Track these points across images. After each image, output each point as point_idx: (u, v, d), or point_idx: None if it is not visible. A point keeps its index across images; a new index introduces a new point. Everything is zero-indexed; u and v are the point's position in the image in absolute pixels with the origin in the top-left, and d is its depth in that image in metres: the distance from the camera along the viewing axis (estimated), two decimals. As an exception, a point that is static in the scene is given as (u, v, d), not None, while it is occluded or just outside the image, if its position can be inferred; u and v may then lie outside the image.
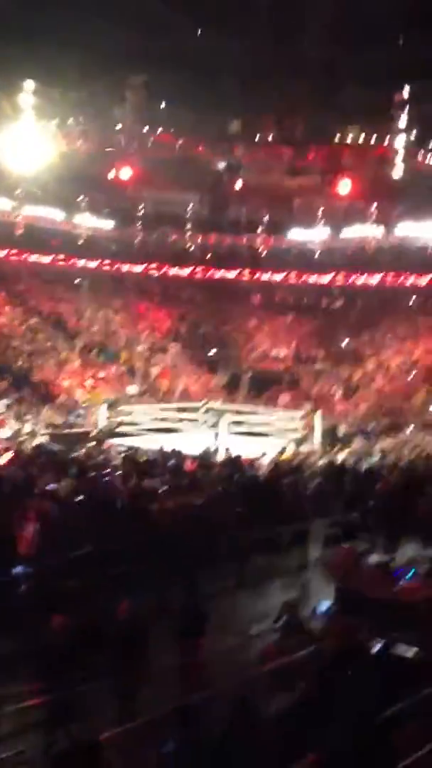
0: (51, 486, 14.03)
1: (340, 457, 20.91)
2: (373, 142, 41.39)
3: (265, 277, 42.27)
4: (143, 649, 8.00)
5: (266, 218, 41.71)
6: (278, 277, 42.14)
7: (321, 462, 20.08)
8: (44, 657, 7.57)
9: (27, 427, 24.81)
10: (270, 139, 42.24)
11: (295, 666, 7.90)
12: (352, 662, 7.73)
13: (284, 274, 41.98)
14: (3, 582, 9.91)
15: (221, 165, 42.35)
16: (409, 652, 8.07)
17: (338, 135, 42.00)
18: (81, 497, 13.60)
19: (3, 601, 9.56)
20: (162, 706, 6.36)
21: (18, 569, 10.79)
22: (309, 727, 5.97)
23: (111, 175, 39.95)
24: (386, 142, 41.44)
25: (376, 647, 7.80)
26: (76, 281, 40.66)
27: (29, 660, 7.83)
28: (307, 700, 6.49)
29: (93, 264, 40.61)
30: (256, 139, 42.19)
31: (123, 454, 19.55)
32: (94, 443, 22.27)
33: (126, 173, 39.74)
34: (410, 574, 10.69)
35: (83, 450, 20.48)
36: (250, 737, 5.55)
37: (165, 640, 8.63)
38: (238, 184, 42.22)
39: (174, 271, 42.40)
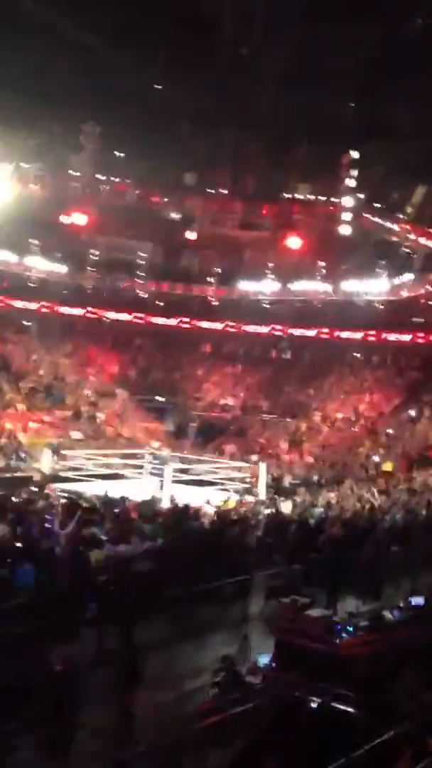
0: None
1: (285, 507, 20.89)
2: (322, 200, 42.59)
3: (215, 326, 42.69)
4: (78, 702, 7.76)
5: (217, 269, 42.29)
6: (228, 327, 42.59)
7: (265, 512, 20.04)
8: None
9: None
10: (223, 192, 43.10)
11: (232, 722, 7.74)
12: (290, 718, 7.64)
13: (234, 324, 42.46)
14: None
15: (175, 215, 42.95)
16: (348, 707, 8.00)
17: (289, 192, 43.11)
18: (19, 544, 13.28)
19: None
20: (95, 761, 6.15)
21: None
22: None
23: (65, 220, 40.11)
24: (335, 201, 42.72)
25: (315, 703, 7.72)
26: (26, 323, 40.40)
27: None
28: (245, 757, 6.35)
29: (44, 307, 40.45)
30: (210, 192, 43.00)
31: (65, 500, 19.19)
32: (36, 488, 21.85)
33: (80, 219, 40.01)
34: (350, 629, 10.67)
35: (24, 495, 20.07)
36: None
37: (100, 692, 8.40)
38: (191, 235, 42.83)
39: (125, 317, 42.53)
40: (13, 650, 10.28)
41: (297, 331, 41.37)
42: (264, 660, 9.80)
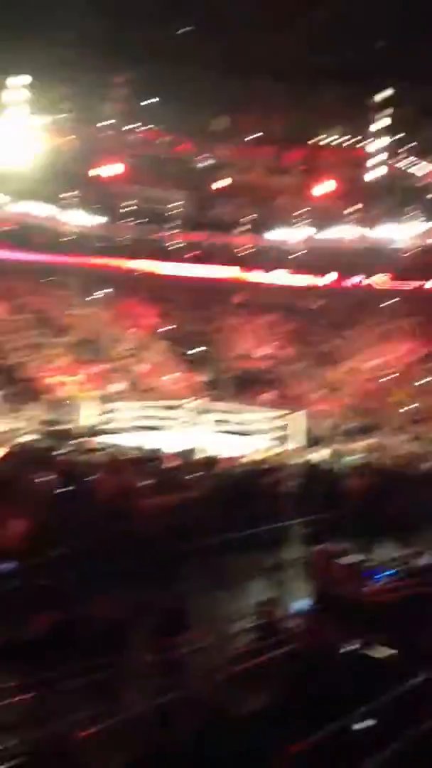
0: (36, 483, 14.22)
1: (318, 456, 21.19)
2: (353, 143, 41.68)
3: (248, 276, 42.51)
4: (122, 648, 8.21)
5: (249, 217, 41.92)
6: (260, 276, 42.38)
7: (299, 462, 20.36)
8: (25, 654, 7.76)
9: (14, 424, 24.93)
10: (253, 138, 42.37)
11: (269, 666, 8.14)
12: (325, 662, 8.02)
13: (266, 273, 42.23)
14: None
15: (205, 163, 42.47)
16: (381, 652, 8.35)
17: (319, 136, 42.23)
18: (65, 494, 13.81)
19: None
20: (139, 705, 6.59)
21: (2, 566, 10.99)
22: (282, 727, 6.21)
23: (98, 172, 39.97)
24: (366, 144, 41.74)
25: (349, 647, 8.07)
26: (63, 278, 40.73)
27: (10, 658, 8.02)
28: (281, 700, 6.73)
29: (80, 260, 40.62)
30: (240, 138, 42.31)
31: (107, 452, 19.74)
32: (79, 440, 22.45)
33: (113, 170, 39.79)
34: (383, 575, 10.99)
35: (68, 447, 20.66)
36: (223, 737, 5.78)
37: (143, 638, 8.85)
38: (222, 183, 42.38)
39: (159, 268, 42.53)
40: (58, 599, 10.83)
41: (328, 279, 41.04)
42: (299, 606, 10.16)
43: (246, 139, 42.11)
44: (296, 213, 41.36)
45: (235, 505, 15.34)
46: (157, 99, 41.39)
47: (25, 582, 10.97)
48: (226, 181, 42.23)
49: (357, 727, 5.90)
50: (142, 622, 9.14)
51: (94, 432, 25.01)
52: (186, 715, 6.12)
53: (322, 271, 40.92)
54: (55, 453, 19.15)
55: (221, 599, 11.75)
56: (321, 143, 41.91)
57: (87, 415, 27.09)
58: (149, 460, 18.42)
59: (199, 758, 5.55)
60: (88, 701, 7.30)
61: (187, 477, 16.44)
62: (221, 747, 5.70)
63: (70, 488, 14.30)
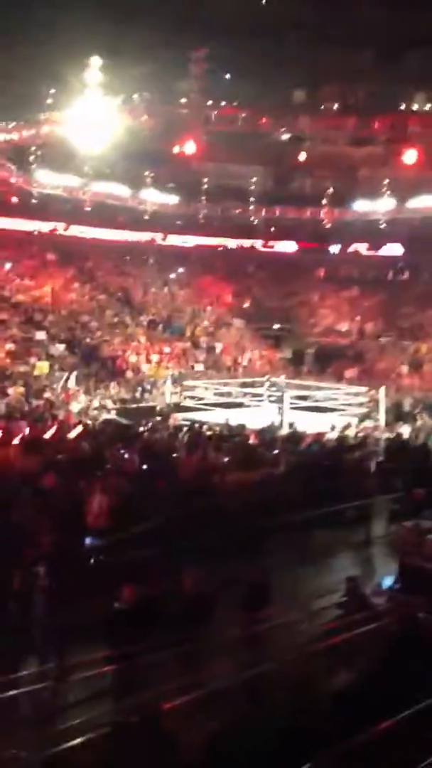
0: (118, 460, 14.39)
1: (405, 432, 20.72)
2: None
3: (330, 250, 41.80)
4: (208, 621, 8.22)
5: (330, 190, 41.13)
6: (343, 249, 41.61)
7: (385, 438, 19.98)
8: (113, 626, 7.84)
9: (95, 402, 25.37)
10: (334, 108, 41.38)
11: (356, 643, 8.00)
12: (412, 639, 7.81)
13: (349, 246, 41.41)
14: (75, 553, 10.26)
15: (285, 136, 41.79)
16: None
17: (404, 103, 40.84)
18: (147, 471, 13.93)
19: (74, 572, 9.91)
20: (226, 678, 6.56)
21: (89, 541, 11.17)
22: (368, 703, 6.08)
23: (175, 150, 39.95)
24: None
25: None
26: (143, 256, 41.12)
27: (99, 629, 8.13)
28: (368, 677, 6.60)
29: (158, 239, 40.87)
30: (321, 109, 41.39)
31: (188, 429, 19.82)
32: (159, 418, 22.64)
33: (190, 147, 39.67)
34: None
35: (149, 424, 20.86)
36: (310, 713, 5.70)
37: (229, 613, 8.84)
38: (302, 156, 41.64)
39: (238, 244, 42.34)
40: (144, 573, 10.93)
41: (414, 250, 39.87)
42: (387, 582, 9.97)
43: (327, 110, 41.13)
44: (381, 184, 40.27)
45: (320, 481, 15.16)
46: (235, 74, 40.97)
47: (112, 557, 11.12)
48: (306, 155, 41.45)
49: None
50: (227, 597, 9.14)
51: (175, 409, 25.17)
52: (273, 690, 6.05)
53: (407, 243, 39.77)
54: (137, 430, 19.37)
55: (307, 575, 11.64)
56: (406, 110, 40.50)
57: (168, 392, 27.29)
58: (232, 437, 18.38)
59: (286, 733, 5.48)
60: (176, 673, 7.34)
61: (271, 453, 16.32)
62: (308, 722, 5.61)
63: (154, 464, 14.40)
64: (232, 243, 42.35)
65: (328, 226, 41.24)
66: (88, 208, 37.69)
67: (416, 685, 6.13)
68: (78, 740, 6.07)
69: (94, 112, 32.52)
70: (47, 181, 36.23)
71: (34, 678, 7.66)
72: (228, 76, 41.74)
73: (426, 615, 8.26)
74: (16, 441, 15.64)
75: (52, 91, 36.74)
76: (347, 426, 21.22)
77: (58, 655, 8.26)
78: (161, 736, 5.35)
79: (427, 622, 8.05)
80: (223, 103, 40.42)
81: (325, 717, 5.80)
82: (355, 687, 6.58)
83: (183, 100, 39.99)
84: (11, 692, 7.27)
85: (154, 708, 6.02)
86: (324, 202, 41.19)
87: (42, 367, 27.88)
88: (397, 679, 6.45)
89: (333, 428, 19.63)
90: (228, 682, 6.14)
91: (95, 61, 32.31)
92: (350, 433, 19.96)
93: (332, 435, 18.96)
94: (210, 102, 39.89)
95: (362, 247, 41.32)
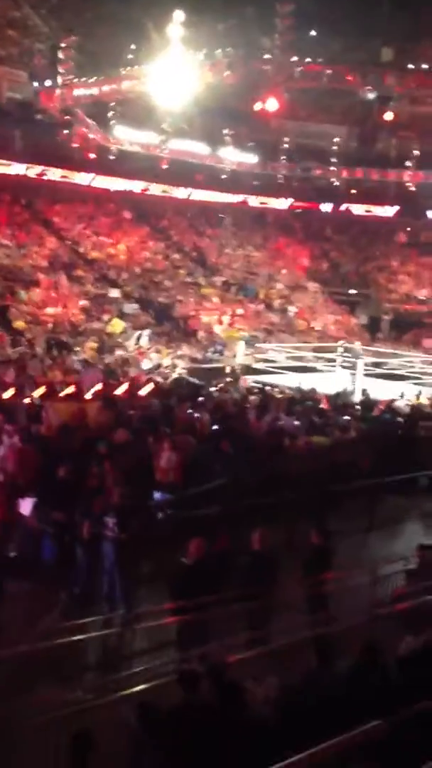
0: (189, 418, 14.43)
1: None
2: None
3: (413, 214, 40.48)
4: (274, 578, 8.20)
5: (417, 152, 39.76)
6: (425, 214, 40.24)
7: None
8: (181, 579, 7.90)
9: (167, 361, 25.49)
10: (425, 67, 39.75)
11: (424, 609, 7.86)
12: None
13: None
14: (144, 507, 10.37)
15: (371, 95, 40.43)
16: None
17: None
18: (217, 430, 13.93)
19: (143, 526, 10.03)
20: (290, 635, 6.52)
21: (157, 496, 11.29)
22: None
23: (257, 108, 39.18)
24: None
25: None
26: (219, 216, 40.76)
27: (167, 581, 8.21)
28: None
29: (236, 199, 40.32)
30: (410, 68, 39.82)
31: (258, 391, 19.74)
32: (231, 379, 22.61)
33: (272, 105, 38.79)
34: None
35: (220, 385, 20.86)
36: (376, 677, 5.61)
37: (295, 573, 8.81)
38: (389, 116, 40.28)
39: (317, 207, 41.43)
40: (215, 528, 10.97)
41: None
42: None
43: (417, 69, 39.55)
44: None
45: (393, 448, 14.90)
46: (322, 30, 39.78)
47: (180, 511, 11.21)
48: (392, 114, 40.08)
49: None
50: (293, 557, 9.10)
51: (247, 371, 25.09)
52: (340, 650, 5.98)
53: None
54: (209, 390, 19.39)
55: (377, 540, 11.51)
56: None
57: (240, 354, 27.20)
58: (305, 400, 18.21)
59: (352, 693, 5.41)
60: (240, 627, 7.35)
61: (344, 418, 16.10)
62: (373, 684, 5.53)
63: (224, 424, 14.38)
64: (312, 204, 41.44)
65: (413, 189, 39.94)
66: (166, 166, 37.44)
67: None
68: (142, 686, 6.15)
69: (175, 68, 32.04)
70: (125, 137, 36.06)
71: (102, 624, 7.79)
72: (314, 32, 40.53)
73: None
74: (89, 395, 15.88)
75: (133, 46, 36.45)
76: (419, 394, 20.77)
77: (125, 603, 8.38)
78: (225, 686, 5.34)
79: None
80: (308, 60, 39.27)
81: (389, 679, 5.70)
82: (420, 653, 6.45)
83: (267, 56, 39.05)
84: (79, 636, 7.41)
85: (218, 659, 6.03)
86: (409, 164, 39.86)
87: (115, 324, 28.11)
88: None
89: (402, 395, 19.20)
90: (291, 639, 6.09)
91: (178, 16, 31.73)
92: (423, 401, 19.52)
93: (401, 403, 18.56)
94: (295, 58, 38.82)
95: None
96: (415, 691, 5.25)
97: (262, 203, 41.47)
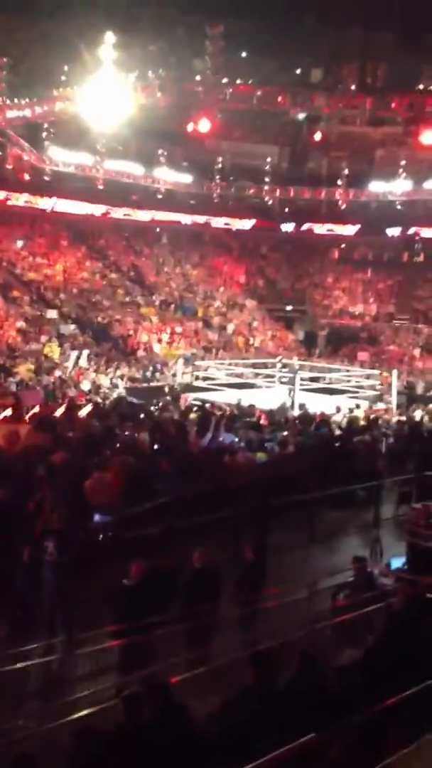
0: (128, 438, 14.40)
1: (417, 415, 20.64)
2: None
3: (345, 231, 41.44)
4: (215, 597, 8.25)
5: (346, 170, 40.73)
6: (357, 231, 41.22)
7: (397, 420, 19.91)
8: (121, 602, 7.89)
9: (106, 381, 25.39)
10: (352, 88, 40.85)
11: (363, 621, 8.01)
12: (420, 618, 7.81)
13: (364, 228, 41.02)
14: (84, 529, 10.31)
15: (301, 116, 41.35)
16: None
17: (422, 83, 40.22)
18: (157, 450, 13.93)
19: (83, 548, 9.98)
20: (231, 653, 6.59)
21: (97, 518, 11.22)
22: (375, 679, 6.09)
23: (189, 128, 39.59)
24: None
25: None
26: (156, 236, 40.92)
27: (107, 605, 8.19)
28: (374, 654, 6.60)
29: (172, 218, 40.54)
30: (338, 88, 40.86)
31: (198, 408, 19.82)
32: (170, 397, 22.65)
33: (204, 126, 39.26)
34: None
35: (160, 404, 20.88)
36: (315, 687, 5.72)
37: (232, 589, 8.89)
38: (318, 136, 41.20)
39: (252, 225, 41.99)
40: (156, 548, 10.97)
41: (430, 232, 39.51)
42: (396, 563, 9.97)
43: (345, 90, 40.57)
44: (398, 163, 39.76)
45: (330, 462, 15.14)
46: (252, 52, 40.48)
47: (121, 532, 11.17)
48: (321, 134, 40.97)
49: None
50: (232, 574, 9.18)
51: (187, 389, 25.18)
52: (279, 664, 6.07)
53: (425, 223, 39.21)
54: (148, 409, 19.38)
55: (317, 554, 11.67)
56: (425, 90, 39.86)
57: (178, 372, 27.29)
58: (244, 416, 18.37)
59: (290, 705, 5.51)
60: (182, 647, 7.38)
61: (283, 433, 16.29)
62: (313, 695, 5.64)
63: (164, 443, 14.40)
64: (245, 223, 41.97)
65: (344, 207, 40.85)
66: (101, 187, 37.46)
67: (421, 664, 6.13)
68: (84, 712, 6.12)
69: (107, 89, 32.18)
70: (60, 158, 36.01)
71: (44, 650, 7.73)
72: (244, 54, 41.26)
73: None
74: (27, 418, 15.69)
75: (66, 68, 36.51)
76: (355, 408, 21.17)
77: (66, 628, 8.32)
78: (168, 707, 5.38)
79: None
80: (238, 81, 39.95)
81: (329, 691, 5.81)
82: (360, 664, 6.60)
83: (198, 78, 39.57)
84: (20, 664, 7.33)
85: (161, 680, 6.06)
86: (339, 182, 40.78)
87: (52, 347, 27.92)
88: (401, 657, 6.45)
89: (338, 410, 19.55)
90: (234, 655, 6.16)
91: (109, 38, 31.93)
92: (360, 414, 19.90)
93: (338, 417, 18.90)
94: (225, 80, 39.43)
95: (377, 229, 40.88)
96: (355, 702, 5.37)
97: (198, 222, 41.76)
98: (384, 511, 13.70)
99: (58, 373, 25.30)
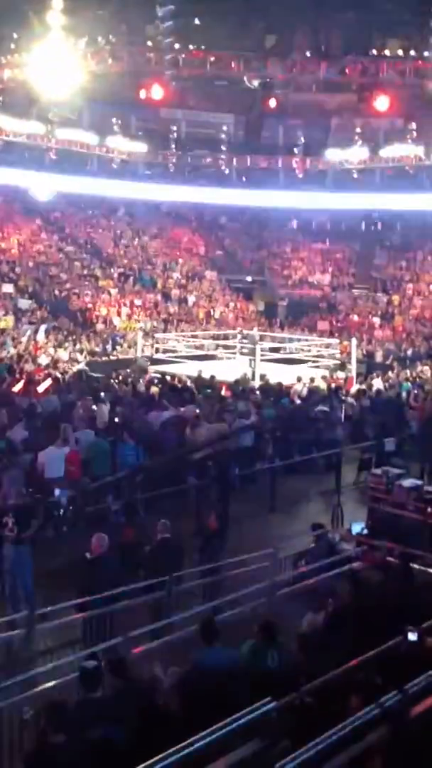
0: (89, 413, 14.28)
1: (376, 383, 20.83)
2: (413, 55, 39.21)
3: (302, 200, 41.16)
4: (178, 567, 8.28)
5: (302, 138, 40.48)
6: (316, 200, 40.95)
7: (356, 389, 20.07)
8: (85, 574, 7.87)
9: (65, 355, 25.10)
10: (306, 54, 40.45)
11: (325, 586, 8.10)
12: (381, 582, 7.94)
13: (322, 196, 40.78)
14: (45, 504, 10.25)
15: (255, 83, 40.90)
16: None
17: (376, 49, 39.92)
18: (118, 423, 13.86)
19: (45, 523, 9.92)
20: (193, 623, 6.61)
21: (57, 492, 11.15)
22: (338, 642, 6.17)
23: (142, 96, 38.88)
24: (427, 56, 39.41)
25: (403, 567, 7.97)
26: (112, 207, 40.32)
27: (70, 578, 8.16)
28: (337, 617, 6.68)
29: (128, 189, 39.76)
30: (291, 55, 40.43)
31: (158, 381, 19.73)
32: (131, 371, 22.50)
33: (157, 92, 38.56)
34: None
35: (120, 377, 20.74)
36: (276, 654, 5.77)
37: (193, 560, 8.95)
38: (273, 103, 40.79)
39: (209, 195, 41.41)
40: (117, 521, 10.97)
41: (388, 201, 39.47)
42: (356, 528, 10.10)
43: (299, 56, 40.16)
44: (354, 130, 39.55)
45: (291, 431, 15.25)
46: (205, 17, 39.76)
47: (83, 507, 11.14)
48: (276, 101, 40.58)
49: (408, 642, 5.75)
50: (192, 544, 9.23)
51: (151, 361, 25.03)
52: (237, 633, 6.11)
53: (382, 192, 39.06)
54: (108, 383, 19.23)
55: (279, 522, 11.76)
56: (379, 56, 39.59)
57: (139, 345, 27.11)
58: (204, 388, 18.34)
59: (251, 674, 5.55)
60: (145, 619, 7.39)
61: (244, 403, 16.30)
62: (273, 663, 5.69)
63: (125, 416, 14.32)
64: (203, 193, 41.44)
65: (300, 175, 40.64)
66: (54, 156, 36.69)
67: (381, 627, 6.21)
68: (47, 685, 6.11)
69: (57, 56, 31.30)
70: (9, 127, 35.03)
71: (6, 626, 7.68)
72: (197, 20, 40.54)
73: (393, 559, 8.39)
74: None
75: (15, 34, 35.52)
76: (318, 377, 21.28)
77: (28, 603, 8.27)
78: (128, 679, 5.38)
79: (393, 565, 8.18)
80: (191, 47, 39.31)
81: (289, 657, 5.87)
82: (320, 629, 6.67)
83: (149, 44, 38.82)
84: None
85: (122, 653, 6.06)
86: (296, 150, 40.51)
87: (7, 320, 27.51)
88: (362, 621, 6.54)
89: (300, 380, 19.63)
90: (195, 626, 6.17)
91: (57, 3, 30.99)
92: (321, 384, 20.00)
93: (299, 387, 18.97)
94: (178, 46, 38.75)
95: (334, 198, 40.70)
96: (315, 668, 5.42)
97: (154, 192, 40.99)
98: (346, 478, 13.86)
99: (13, 349, 24.78)
